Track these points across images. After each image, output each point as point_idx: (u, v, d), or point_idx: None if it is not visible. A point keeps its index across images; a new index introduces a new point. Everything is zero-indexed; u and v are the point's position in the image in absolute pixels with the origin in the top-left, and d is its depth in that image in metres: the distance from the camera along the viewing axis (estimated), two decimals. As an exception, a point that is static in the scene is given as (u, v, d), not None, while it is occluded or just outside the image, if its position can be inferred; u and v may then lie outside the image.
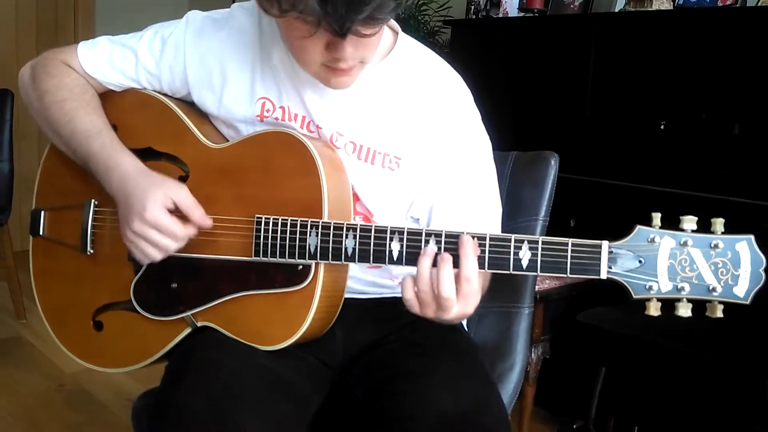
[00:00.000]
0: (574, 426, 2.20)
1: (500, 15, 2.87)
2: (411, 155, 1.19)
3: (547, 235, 1.07)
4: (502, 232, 1.16)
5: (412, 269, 1.27)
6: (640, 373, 2.16)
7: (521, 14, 2.77)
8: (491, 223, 1.23)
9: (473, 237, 1.01)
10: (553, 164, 1.47)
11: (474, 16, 3.01)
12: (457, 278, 1.00)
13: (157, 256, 1.13)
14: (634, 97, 2.27)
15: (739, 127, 2.03)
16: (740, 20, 2.09)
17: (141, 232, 1.11)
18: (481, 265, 1.01)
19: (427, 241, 1.03)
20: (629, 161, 2.21)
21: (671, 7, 2.32)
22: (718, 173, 1.99)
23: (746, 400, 1.95)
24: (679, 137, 2.14)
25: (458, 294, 1.00)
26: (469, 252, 0.99)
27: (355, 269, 1.20)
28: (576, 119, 2.37)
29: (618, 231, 0.98)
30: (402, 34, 1.22)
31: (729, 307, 0.94)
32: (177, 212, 1.13)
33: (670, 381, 2.11)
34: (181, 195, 1.13)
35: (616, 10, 2.55)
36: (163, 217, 1.10)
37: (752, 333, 1.84)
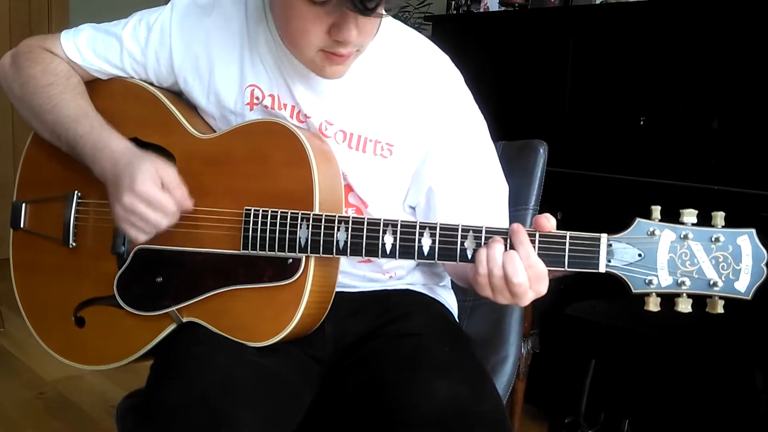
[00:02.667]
0: (566, 421, 2.18)
1: (481, 10, 2.86)
2: (404, 141, 1.16)
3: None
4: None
5: (404, 263, 1.26)
6: (629, 364, 2.15)
7: (502, 8, 2.76)
8: (499, 204, 1.21)
9: (471, 229, 0.99)
10: (542, 153, 1.46)
11: (455, 12, 3.00)
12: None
13: (150, 231, 1.09)
14: (614, 90, 2.26)
15: (718, 121, 2.04)
16: (719, 11, 2.09)
17: (131, 206, 1.07)
18: None
19: (421, 234, 1.01)
20: (611, 154, 2.21)
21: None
22: (700, 166, 1.99)
23: (736, 390, 1.95)
24: (659, 133, 2.14)
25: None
26: (524, 239, 0.96)
27: (345, 263, 1.18)
28: (555, 113, 2.37)
29: (607, 222, 0.96)
30: (387, 17, 1.19)
31: (728, 302, 0.92)
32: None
33: (660, 372, 2.11)
34: (169, 172, 1.10)
35: (597, 2, 2.55)
36: (153, 189, 1.07)
37: (741, 322, 1.84)
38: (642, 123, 2.18)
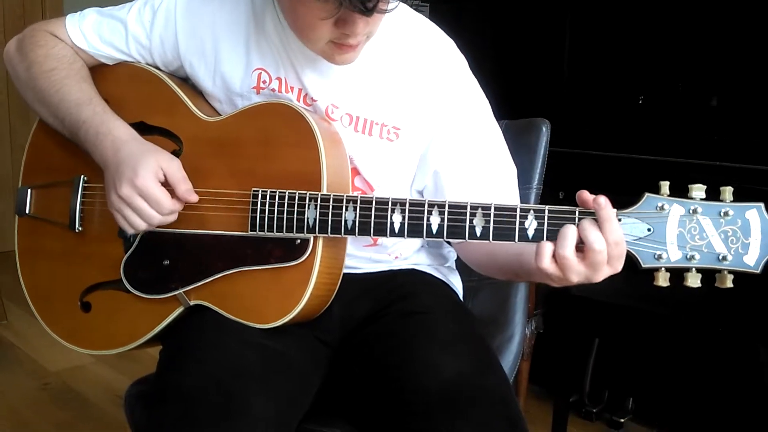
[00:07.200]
0: (570, 400, 2.19)
1: (479, -10, 2.85)
2: (410, 124, 1.16)
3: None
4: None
5: (409, 244, 1.26)
6: (633, 342, 2.16)
7: (500, -12, 2.75)
8: (507, 184, 1.21)
9: (479, 207, 0.98)
10: (545, 131, 1.46)
11: (452, -7, 2.99)
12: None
13: (141, 225, 1.09)
14: (612, 69, 2.26)
15: (717, 98, 2.04)
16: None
17: (128, 198, 1.07)
18: (485, 236, 0.98)
19: (430, 212, 1.00)
20: (610, 133, 2.20)
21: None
22: (701, 142, 1.99)
23: (740, 365, 1.96)
24: (658, 111, 2.13)
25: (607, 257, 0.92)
26: (611, 215, 0.92)
27: (350, 247, 1.17)
28: (553, 93, 2.37)
29: (609, 200, 0.95)
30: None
31: (737, 277, 0.92)
32: (167, 185, 1.09)
33: (663, 349, 2.11)
34: (173, 166, 1.10)
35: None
36: (153, 185, 1.07)
37: (744, 298, 1.85)
38: (641, 102, 2.18)
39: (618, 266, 0.93)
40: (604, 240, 0.90)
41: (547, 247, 0.93)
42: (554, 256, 0.93)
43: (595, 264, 0.92)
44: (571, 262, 0.92)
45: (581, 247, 0.93)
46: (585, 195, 0.94)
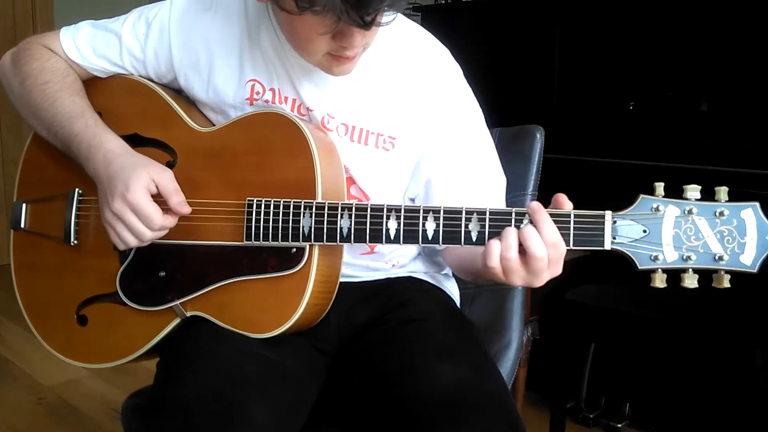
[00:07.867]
0: (567, 406, 2.19)
1: (469, -1, 2.87)
2: (406, 134, 1.16)
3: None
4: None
5: (406, 251, 1.26)
6: (629, 347, 2.16)
7: (490, -4, 2.77)
8: (496, 194, 1.21)
9: (474, 212, 0.98)
10: (539, 138, 1.46)
11: (443, 1, 3.00)
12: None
13: (132, 242, 1.09)
14: (602, 76, 2.27)
15: (708, 104, 2.05)
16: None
17: (120, 213, 1.07)
18: (482, 241, 0.98)
19: (425, 218, 1.00)
20: (602, 139, 2.21)
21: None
22: (693, 147, 2.00)
23: (735, 370, 1.96)
24: (649, 117, 2.15)
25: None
26: (545, 217, 0.94)
27: (347, 255, 1.17)
28: (544, 101, 2.38)
29: (603, 206, 0.96)
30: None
31: (732, 280, 0.92)
32: (159, 197, 1.09)
33: (659, 354, 2.12)
34: (165, 179, 1.09)
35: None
36: (144, 200, 1.07)
37: (739, 302, 1.85)
38: (632, 107, 2.19)
39: (557, 270, 0.97)
40: (544, 246, 0.93)
41: (495, 246, 0.95)
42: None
43: (536, 270, 0.95)
44: (515, 264, 0.95)
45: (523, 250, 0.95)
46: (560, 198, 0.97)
